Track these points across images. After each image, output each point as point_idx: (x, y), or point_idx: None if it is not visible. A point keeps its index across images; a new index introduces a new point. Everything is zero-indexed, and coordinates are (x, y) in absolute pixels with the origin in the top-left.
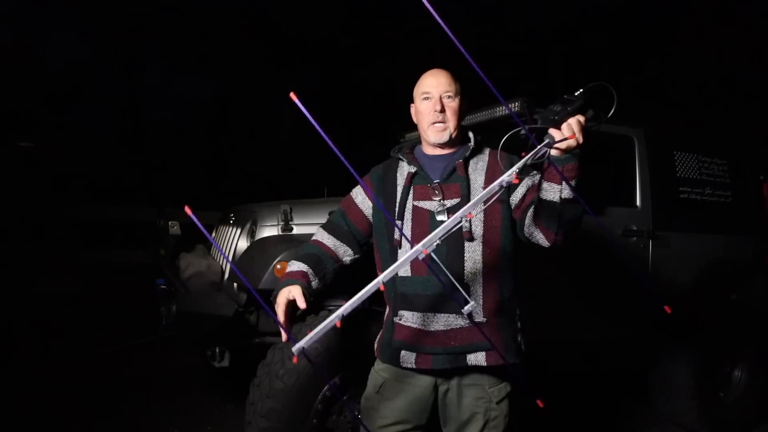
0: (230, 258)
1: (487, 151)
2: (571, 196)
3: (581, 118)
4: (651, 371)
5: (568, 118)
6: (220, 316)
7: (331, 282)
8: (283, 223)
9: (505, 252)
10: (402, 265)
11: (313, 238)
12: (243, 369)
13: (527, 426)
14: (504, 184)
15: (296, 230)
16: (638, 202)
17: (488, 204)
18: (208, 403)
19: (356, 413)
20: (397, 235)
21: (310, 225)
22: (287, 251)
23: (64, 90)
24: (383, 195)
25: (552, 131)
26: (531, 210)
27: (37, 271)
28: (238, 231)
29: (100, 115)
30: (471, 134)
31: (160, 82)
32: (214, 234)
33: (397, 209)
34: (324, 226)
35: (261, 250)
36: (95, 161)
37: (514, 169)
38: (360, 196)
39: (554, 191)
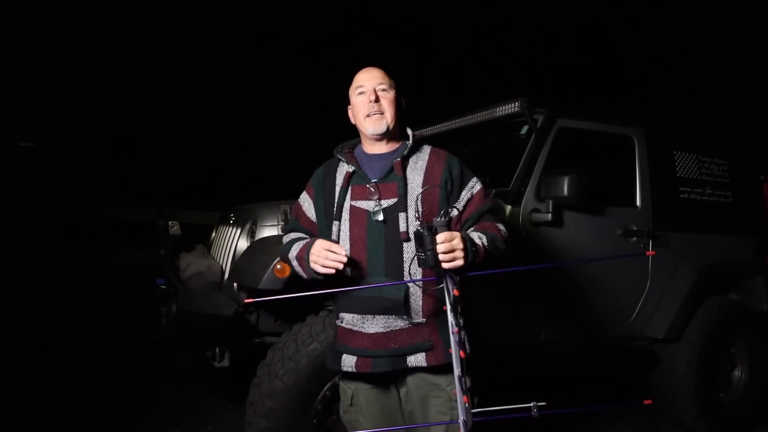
0: (230, 258)
1: (427, 149)
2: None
3: (442, 238)
4: (651, 371)
5: (437, 251)
6: (220, 316)
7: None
8: (283, 223)
9: None
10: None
11: (286, 238)
12: (243, 369)
13: (524, 424)
14: (457, 333)
15: None
16: (638, 202)
17: (426, 206)
18: (208, 403)
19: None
20: (334, 236)
21: None
22: None
23: (63, 90)
24: (323, 197)
25: (443, 266)
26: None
27: (36, 271)
28: (238, 231)
29: (99, 115)
30: (410, 131)
31: (160, 82)
32: (214, 234)
33: (335, 210)
34: (286, 233)
35: (261, 250)
36: (94, 161)
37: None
38: (306, 203)
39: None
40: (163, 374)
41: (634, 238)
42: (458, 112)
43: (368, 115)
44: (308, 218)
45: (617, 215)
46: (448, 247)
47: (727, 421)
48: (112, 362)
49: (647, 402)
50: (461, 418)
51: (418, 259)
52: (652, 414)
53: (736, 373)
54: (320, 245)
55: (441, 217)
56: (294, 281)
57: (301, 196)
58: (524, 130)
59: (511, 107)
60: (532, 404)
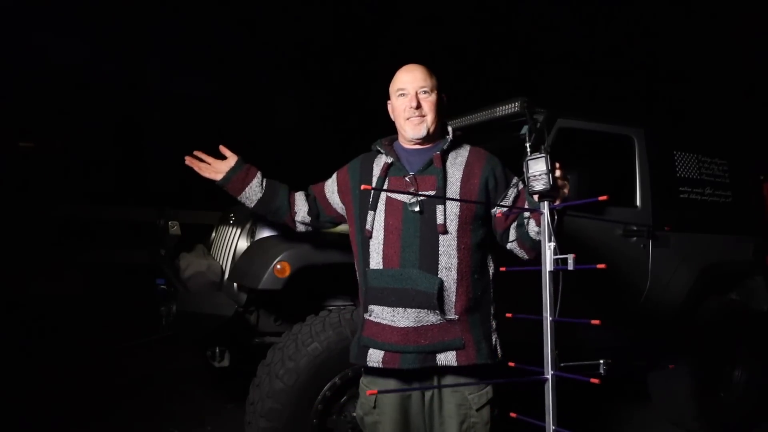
0: (230, 258)
1: (467, 147)
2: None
3: (557, 165)
4: (651, 371)
5: (555, 173)
6: (220, 316)
7: (271, 212)
8: None
9: (477, 249)
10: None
11: None
12: (243, 369)
13: (525, 424)
14: (552, 268)
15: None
16: (638, 202)
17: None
18: (208, 403)
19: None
20: (368, 225)
21: None
22: (287, 251)
23: (63, 90)
24: (360, 184)
25: (561, 191)
26: (515, 232)
27: (36, 271)
28: (238, 231)
29: (100, 115)
30: (450, 128)
31: (160, 81)
32: (214, 234)
33: (371, 200)
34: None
35: (261, 250)
36: (95, 161)
37: (549, 254)
38: (330, 188)
39: (538, 233)
40: (164, 374)
41: (634, 238)
42: (458, 112)
43: (408, 119)
44: (323, 192)
45: (617, 215)
46: (562, 175)
47: (727, 421)
48: (112, 362)
49: (671, 366)
50: (551, 372)
51: (532, 183)
52: (652, 414)
53: (736, 373)
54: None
55: (543, 150)
56: (295, 280)
57: (327, 181)
58: (524, 130)
59: (511, 107)
60: (601, 361)
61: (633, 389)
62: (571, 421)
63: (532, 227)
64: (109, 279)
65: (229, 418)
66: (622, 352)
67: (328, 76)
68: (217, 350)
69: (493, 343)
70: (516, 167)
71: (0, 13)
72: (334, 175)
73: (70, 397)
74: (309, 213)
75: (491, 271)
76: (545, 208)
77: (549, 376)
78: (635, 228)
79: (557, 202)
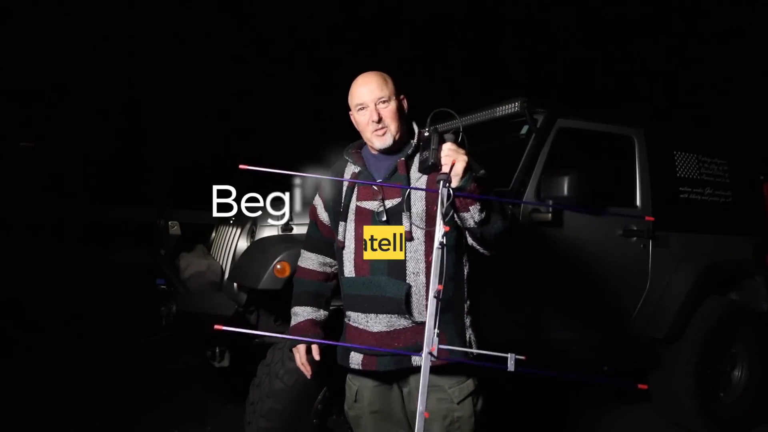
0: (230, 258)
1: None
2: (483, 216)
3: (449, 144)
4: (651, 371)
5: (440, 153)
6: (220, 316)
7: (334, 295)
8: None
9: (448, 251)
10: None
11: (300, 264)
12: (243, 369)
13: (526, 425)
14: (442, 240)
15: (296, 230)
16: (638, 202)
17: (430, 205)
18: (208, 403)
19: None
20: (340, 236)
21: None
22: (287, 251)
23: (63, 89)
24: (332, 197)
25: (443, 172)
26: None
27: (36, 271)
28: (238, 231)
29: (100, 114)
30: (416, 128)
31: (160, 81)
32: (214, 234)
33: (341, 210)
34: (306, 246)
35: (261, 250)
36: (95, 161)
37: (440, 228)
38: (319, 206)
39: (468, 218)
40: (163, 374)
41: (634, 238)
42: (458, 111)
43: (373, 132)
44: (322, 222)
45: (617, 215)
46: (453, 153)
47: (727, 421)
48: (112, 362)
49: (642, 387)
50: (426, 349)
51: (420, 162)
52: (652, 414)
53: (736, 373)
54: (299, 359)
55: (452, 133)
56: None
57: (314, 199)
58: (524, 130)
59: (511, 107)
60: (509, 355)
61: (633, 389)
62: (571, 420)
63: (459, 217)
64: (109, 279)
65: (229, 418)
66: (621, 352)
67: (328, 75)
68: (217, 350)
69: (467, 339)
70: (514, 167)
71: (1, 12)
72: (316, 196)
73: (70, 397)
74: (330, 257)
75: (466, 270)
76: (440, 187)
77: (423, 354)
78: (635, 228)
79: (453, 183)
